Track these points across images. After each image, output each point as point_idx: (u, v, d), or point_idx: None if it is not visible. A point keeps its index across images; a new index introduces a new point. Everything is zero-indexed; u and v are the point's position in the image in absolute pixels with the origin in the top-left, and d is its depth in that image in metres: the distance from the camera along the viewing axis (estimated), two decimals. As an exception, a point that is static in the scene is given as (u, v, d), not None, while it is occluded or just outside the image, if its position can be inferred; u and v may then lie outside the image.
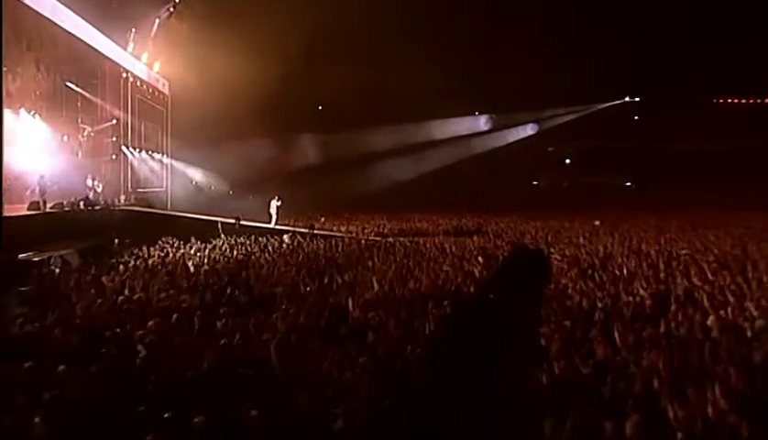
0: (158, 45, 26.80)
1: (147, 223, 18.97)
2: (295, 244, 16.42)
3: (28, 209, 15.57)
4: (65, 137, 20.00)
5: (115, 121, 23.60)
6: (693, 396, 4.76)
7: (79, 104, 21.05)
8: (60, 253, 12.73)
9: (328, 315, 7.67)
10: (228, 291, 9.44)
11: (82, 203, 17.81)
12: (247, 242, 16.18)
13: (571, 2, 38.74)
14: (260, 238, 16.88)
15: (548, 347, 6.42)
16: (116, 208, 20.58)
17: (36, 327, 6.90)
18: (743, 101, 48.69)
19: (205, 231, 17.33)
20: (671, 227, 22.36)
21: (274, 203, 21.26)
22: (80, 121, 21.25)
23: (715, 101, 48.43)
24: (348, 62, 35.51)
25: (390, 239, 17.92)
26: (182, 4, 26.17)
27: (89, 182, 19.40)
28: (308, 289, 9.60)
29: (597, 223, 23.42)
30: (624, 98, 49.18)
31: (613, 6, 37.53)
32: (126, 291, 9.39)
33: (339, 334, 6.84)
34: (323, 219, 24.77)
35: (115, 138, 23.92)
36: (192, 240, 15.92)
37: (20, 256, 11.80)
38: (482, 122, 47.42)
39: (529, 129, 47.95)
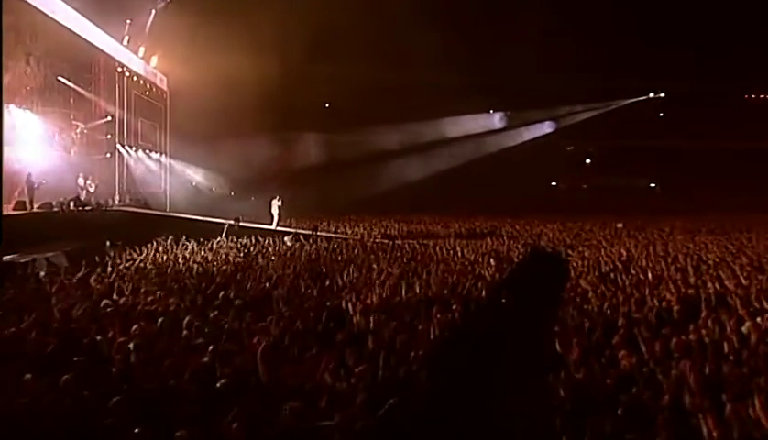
0: (154, 37, 26.74)
1: (141, 224, 18.88)
2: (297, 246, 16.33)
3: (14, 209, 15.48)
4: (57, 135, 19.97)
5: (109, 118, 23.58)
6: (730, 410, 4.45)
7: (71, 99, 21.05)
8: (46, 255, 12.58)
9: (326, 320, 7.42)
10: (221, 293, 9.24)
11: (72, 203, 17.73)
12: (247, 244, 16.11)
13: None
14: (260, 240, 16.90)
15: (566, 355, 6.18)
16: (109, 209, 20.50)
17: (10, 333, 6.70)
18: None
19: (203, 233, 17.21)
20: (699, 230, 21.94)
21: (275, 204, 21.11)
22: (72, 118, 21.26)
23: (746, 97, 47.68)
24: (356, 57, 35.34)
25: (398, 242, 17.72)
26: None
27: (80, 182, 19.35)
28: (307, 291, 9.35)
29: (619, 225, 23.14)
30: (648, 94, 48.58)
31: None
32: (114, 294, 9.24)
33: (336, 339, 6.56)
34: (326, 221, 24.56)
35: (109, 136, 23.91)
36: (189, 242, 15.80)
37: (3, 258, 11.65)
38: (496, 119, 47.06)
39: (546, 127, 47.49)
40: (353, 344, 6.40)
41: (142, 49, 26.82)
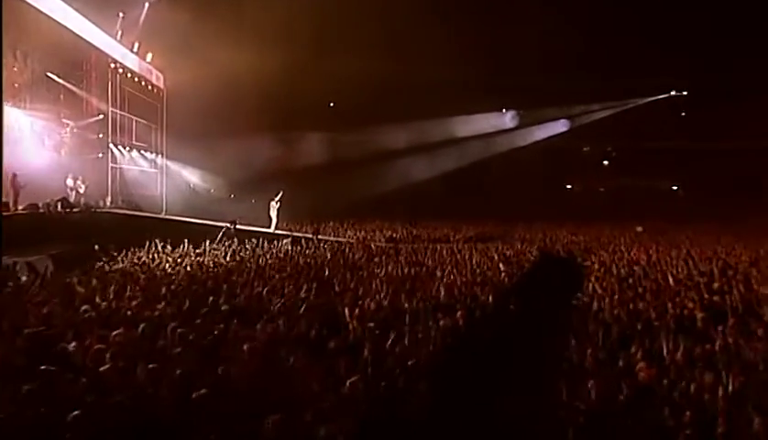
0: (149, 32, 26.69)
1: (133, 227, 18.78)
2: (296, 249, 16.21)
3: (-3, 210, 15.40)
4: (45, 133, 19.93)
5: (101, 116, 23.55)
6: (759, 427, 4.20)
7: (61, 96, 21.06)
8: (30, 258, 12.45)
9: (320, 326, 7.21)
10: (210, 299, 9.07)
11: (59, 205, 17.66)
12: (242, 247, 16.01)
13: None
14: (257, 243, 16.82)
15: (580, 367, 6.02)
16: (99, 211, 20.42)
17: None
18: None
19: (197, 236, 17.09)
20: (725, 234, 21.58)
21: (273, 205, 20.96)
22: (62, 116, 21.22)
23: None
24: (361, 53, 35.15)
25: (404, 246, 17.52)
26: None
27: (70, 182, 19.29)
28: (301, 296, 9.15)
29: (639, 229, 22.86)
30: (670, 91, 48.13)
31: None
32: (97, 299, 9.10)
33: (329, 347, 6.35)
34: (328, 224, 24.41)
35: (101, 135, 23.87)
36: (182, 245, 15.71)
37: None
38: (508, 118, 46.76)
39: (559, 126, 47.10)
40: (346, 352, 6.19)
41: (137, 45, 26.77)
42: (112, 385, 5.01)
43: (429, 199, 37.39)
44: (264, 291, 9.69)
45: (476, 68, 37.65)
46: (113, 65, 24.15)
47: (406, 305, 8.55)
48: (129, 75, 26.04)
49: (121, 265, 12.86)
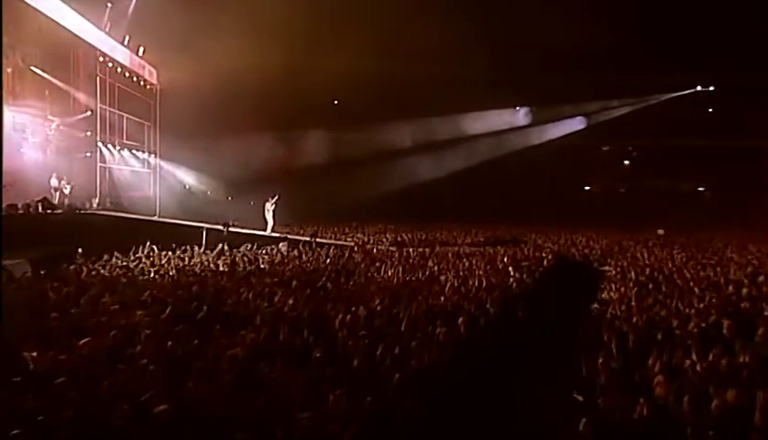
0: (141, 25, 26.56)
1: (121, 229, 18.69)
2: (292, 253, 16.05)
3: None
4: (30, 131, 19.83)
5: (89, 113, 23.45)
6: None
7: (46, 91, 20.94)
8: (7, 263, 12.26)
9: (307, 335, 6.96)
10: (194, 305, 8.88)
11: (39, 205, 17.52)
12: (235, 251, 15.90)
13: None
14: (251, 247, 16.76)
15: (592, 380, 5.81)
16: (84, 212, 20.29)
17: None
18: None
19: (187, 239, 17.00)
20: (754, 237, 21.19)
21: (269, 207, 20.77)
22: (48, 112, 21.14)
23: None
24: (366, 47, 34.93)
25: (410, 250, 17.28)
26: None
27: (54, 182, 19.19)
28: (290, 302, 8.90)
29: (660, 232, 22.53)
30: (695, 87, 47.70)
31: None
32: (72, 306, 8.92)
33: (314, 358, 6.08)
34: (328, 227, 24.22)
35: (89, 133, 23.78)
36: (172, 249, 15.61)
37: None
38: (521, 115, 46.44)
39: (576, 124, 46.71)
40: (332, 363, 5.92)
41: (127, 38, 26.66)
42: (65, 399, 4.77)
43: (437, 200, 37.14)
44: (251, 297, 9.54)
45: (487, 62, 37.34)
46: (101, 59, 24.04)
47: (402, 313, 8.27)
48: (119, 70, 25.95)
49: (102, 270, 12.68)
